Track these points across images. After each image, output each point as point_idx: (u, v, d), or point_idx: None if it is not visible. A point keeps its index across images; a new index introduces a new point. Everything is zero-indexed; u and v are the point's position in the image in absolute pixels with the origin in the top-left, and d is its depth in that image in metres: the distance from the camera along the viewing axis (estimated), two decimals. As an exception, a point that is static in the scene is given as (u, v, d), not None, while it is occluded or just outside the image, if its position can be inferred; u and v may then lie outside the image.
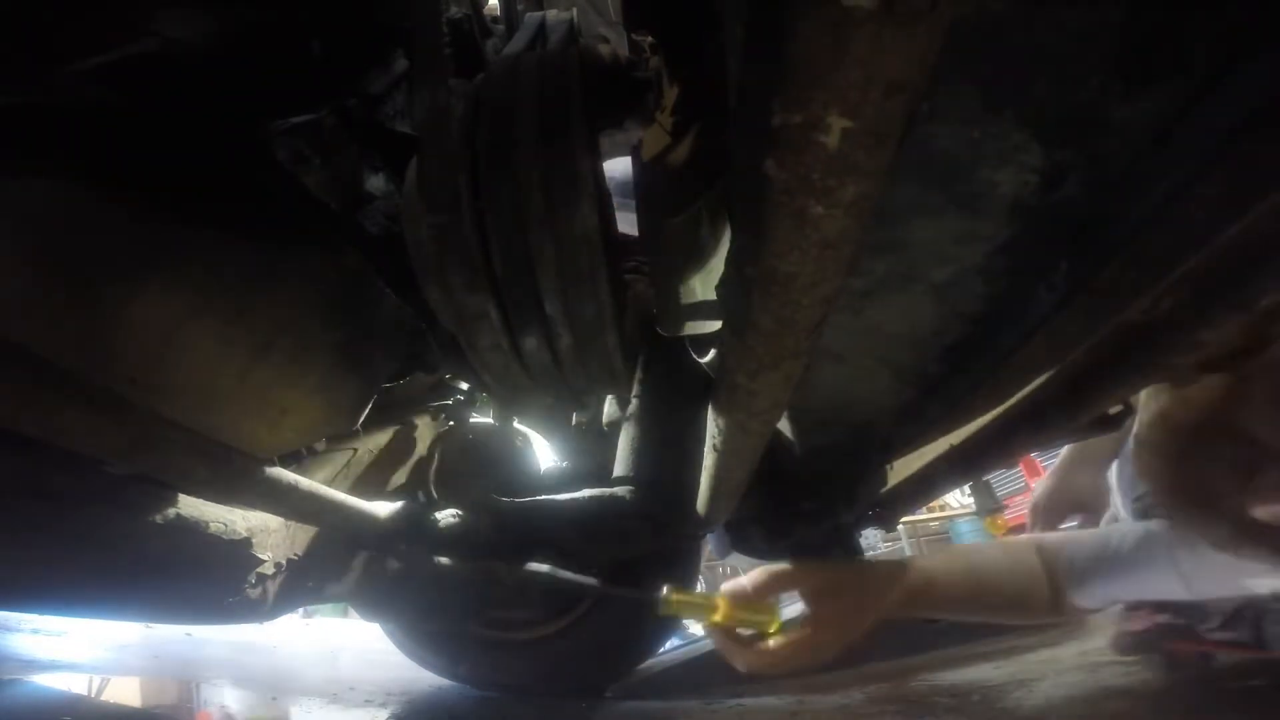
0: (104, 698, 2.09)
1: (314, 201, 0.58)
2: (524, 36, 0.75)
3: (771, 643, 0.70)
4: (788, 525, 0.85)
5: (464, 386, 1.12)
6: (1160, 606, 0.86)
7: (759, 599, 0.71)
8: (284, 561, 0.72)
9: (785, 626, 0.72)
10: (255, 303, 0.57)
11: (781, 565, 0.73)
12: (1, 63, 0.39)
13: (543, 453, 1.23)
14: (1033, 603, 0.81)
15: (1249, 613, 0.76)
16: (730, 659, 0.71)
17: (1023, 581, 0.80)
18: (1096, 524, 0.98)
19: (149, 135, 0.47)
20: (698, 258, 0.56)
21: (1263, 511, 0.40)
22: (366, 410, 0.77)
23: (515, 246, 0.55)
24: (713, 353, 0.59)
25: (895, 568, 0.75)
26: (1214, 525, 0.49)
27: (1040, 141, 0.40)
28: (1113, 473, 0.95)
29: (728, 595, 0.72)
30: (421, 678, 1.26)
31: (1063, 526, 1.07)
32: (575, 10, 0.81)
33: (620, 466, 0.86)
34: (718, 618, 0.71)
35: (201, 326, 0.53)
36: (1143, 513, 0.81)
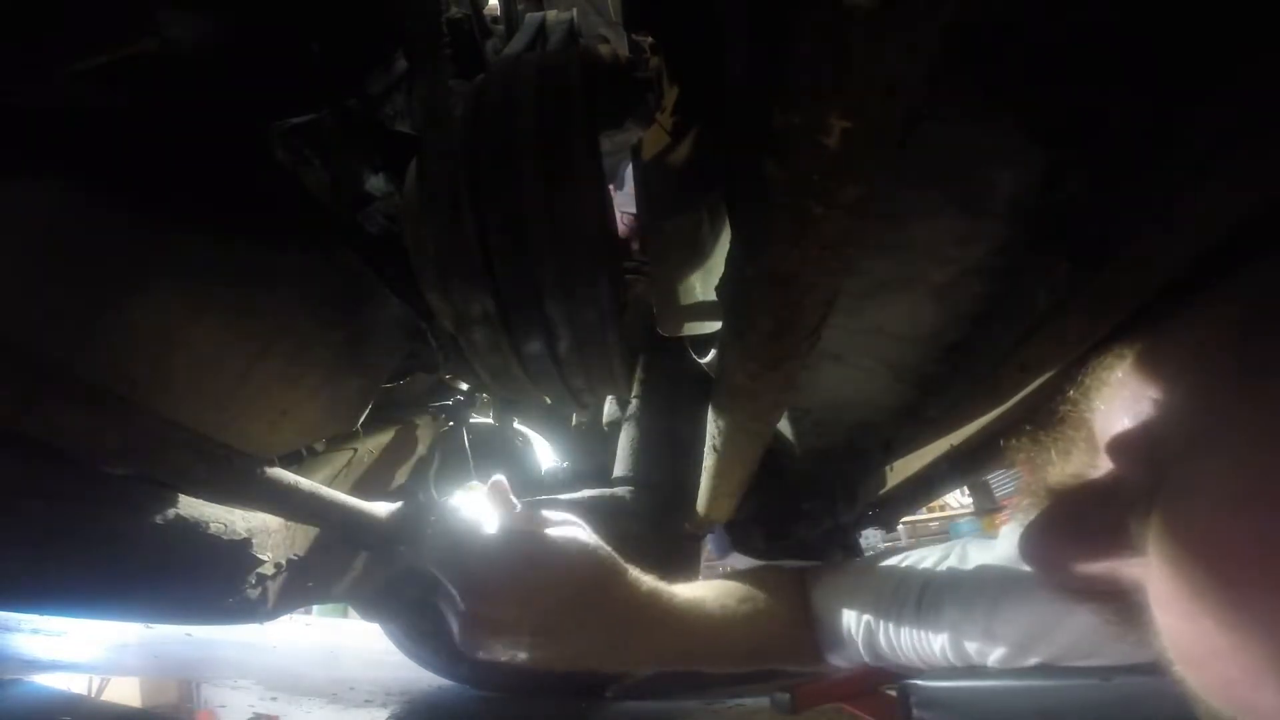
0: (104, 698, 2.09)
1: (314, 202, 0.58)
2: (524, 37, 0.75)
3: None
4: (788, 525, 0.85)
5: (464, 386, 1.12)
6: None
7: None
8: (284, 561, 0.72)
9: None
10: (255, 303, 0.57)
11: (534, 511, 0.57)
12: (1, 63, 0.39)
13: (543, 453, 1.23)
14: (782, 655, 0.66)
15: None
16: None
17: (763, 638, 0.64)
18: None
19: (149, 135, 0.47)
20: (698, 258, 0.56)
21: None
22: (366, 410, 0.77)
23: (515, 247, 0.55)
24: (713, 353, 0.59)
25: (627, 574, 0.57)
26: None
27: (1040, 141, 0.40)
28: None
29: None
30: (421, 678, 1.26)
31: None
32: (575, 10, 0.82)
33: (620, 467, 0.86)
34: None
35: (201, 327, 0.53)
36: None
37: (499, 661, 0.55)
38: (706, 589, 0.63)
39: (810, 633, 0.65)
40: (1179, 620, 0.25)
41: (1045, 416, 0.37)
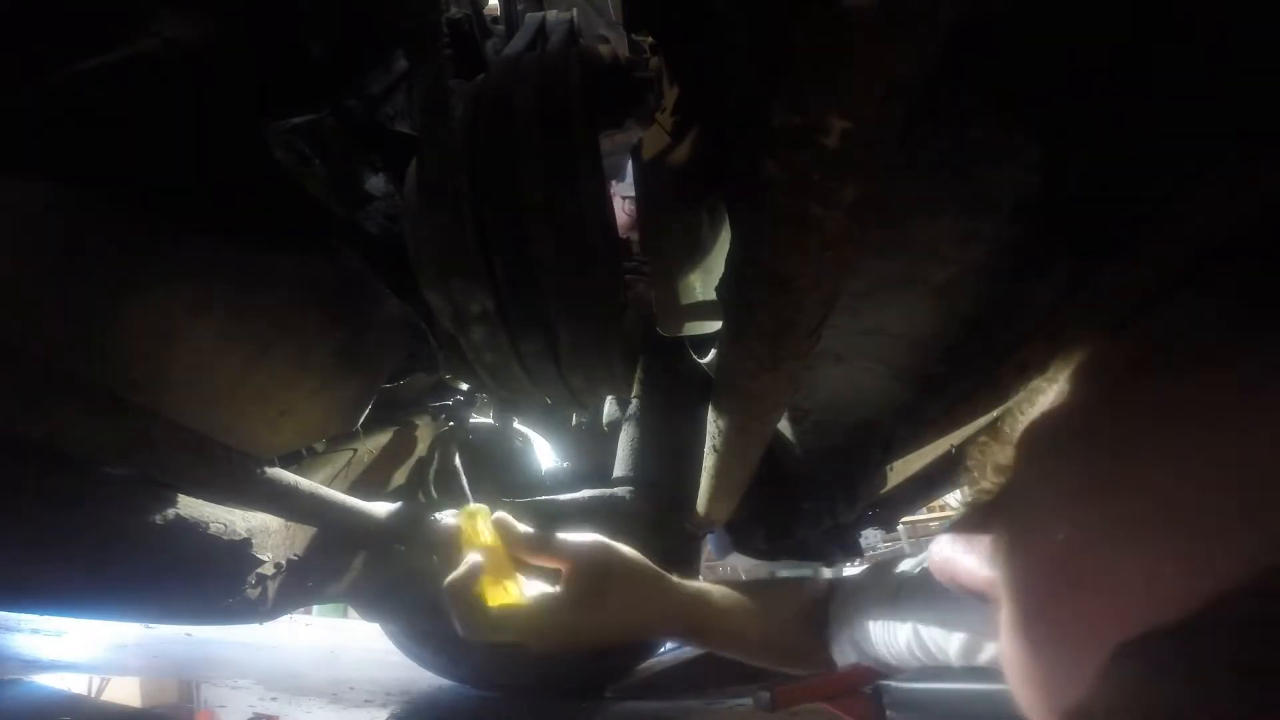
0: (104, 698, 2.09)
1: (314, 202, 0.58)
2: (524, 37, 0.75)
3: (498, 601, 0.55)
4: (788, 525, 0.85)
5: (464, 387, 1.12)
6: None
7: (519, 555, 0.59)
8: (284, 561, 0.72)
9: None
10: (255, 303, 0.57)
11: (555, 536, 0.59)
12: (1, 63, 0.39)
13: (543, 453, 1.23)
14: (800, 651, 0.68)
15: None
16: (456, 609, 0.54)
17: (790, 625, 0.67)
18: None
19: (149, 136, 0.47)
20: (698, 258, 0.56)
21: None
22: (366, 411, 0.77)
23: (515, 247, 0.55)
24: (713, 353, 0.59)
25: (673, 584, 0.62)
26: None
27: (1040, 141, 0.40)
28: None
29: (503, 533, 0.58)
30: (421, 678, 1.26)
31: None
32: (575, 10, 0.81)
33: (620, 467, 0.86)
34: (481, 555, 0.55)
35: (201, 327, 0.53)
36: None
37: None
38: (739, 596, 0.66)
39: (818, 644, 0.66)
40: (1004, 640, 0.26)
41: (990, 432, 0.37)
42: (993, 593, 0.28)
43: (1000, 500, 0.30)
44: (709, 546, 1.44)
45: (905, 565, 0.63)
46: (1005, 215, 0.44)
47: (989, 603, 0.29)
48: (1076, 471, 0.25)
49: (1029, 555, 0.25)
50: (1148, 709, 0.17)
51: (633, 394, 0.90)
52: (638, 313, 0.80)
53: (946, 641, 0.53)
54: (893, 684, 0.58)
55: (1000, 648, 0.27)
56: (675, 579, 0.62)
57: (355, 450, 0.91)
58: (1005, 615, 0.26)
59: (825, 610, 0.67)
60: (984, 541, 0.29)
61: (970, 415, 0.54)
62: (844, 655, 0.65)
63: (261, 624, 0.73)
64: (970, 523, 0.32)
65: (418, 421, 1.11)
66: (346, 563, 0.88)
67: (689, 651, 1.37)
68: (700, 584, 0.64)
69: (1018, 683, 0.26)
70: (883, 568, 0.66)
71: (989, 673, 0.51)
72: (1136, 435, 0.23)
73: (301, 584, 0.75)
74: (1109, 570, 0.21)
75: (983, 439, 0.36)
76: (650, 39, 0.68)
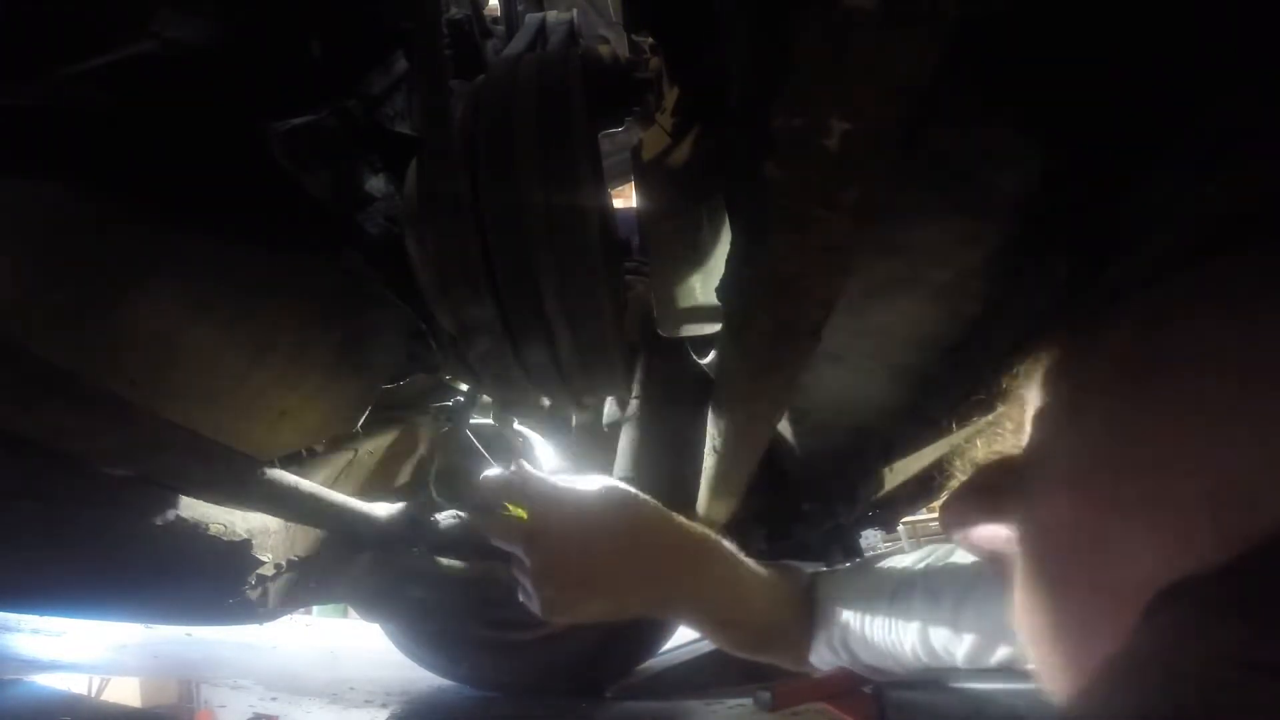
0: (104, 698, 2.09)
1: (313, 203, 0.58)
2: (524, 37, 0.75)
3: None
4: (788, 526, 0.85)
5: (464, 388, 1.12)
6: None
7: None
8: (284, 562, 0.72)
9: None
10: (254, 304, 0.57)
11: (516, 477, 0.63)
12: (2, 63, 0.39)
13: (543, 453, 1.23)
14: (783, 645, 0.66)
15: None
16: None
17: (777, 616, 0.65)
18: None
19: (148, 136, 0.47)
20: (698, 258, 0.56)
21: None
22: (366, 412, 0.77)
23: (515, 248, 0.55)
24: (713, 353, 0.59)
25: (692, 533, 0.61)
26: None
27: (1040, 141, 0.40)
28: None
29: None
30: (421, 678, 1.26)
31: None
32: (575, 11, 0.81)
33: (620, 467, 0.86)
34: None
35: (201, 328, 0.53)
36: None
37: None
38: (742, 556, 0.65)
39: (804, 634, 0.65)
40: (1021, 598, 0.26)
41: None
42: (1010, 550, 0.28)
43: (1018, 457, 0.30)
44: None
45: (896, 561, 0.62)
46: (1006, 216, 0.44)
47: (1004, 562, 0.29)
48: (1101, 421, 0.24)
49: (1051, 508, 0.25)
50: (1200, 650, 0.17)
51: (633, 394, 0.90)
52: (638, 313, 0.80)
53: (956, 643, 0.52)
54: (894, 684, 0.57)
55: (1017, 608, 0.26)
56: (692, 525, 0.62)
57: (355, 451, 0.91)
58: (1024, 572, 0.26)
59: (809, 602, 0.66)
60: (1001, 498, 0.29)
61: (970, 416, 0.54)
62: (820, 656, 0.64)
63: (261, 624, 0.73)
64: (985, 479, 0.32)
65: (418, 422, 1.11)
66: (347, 562, 0.88)
67: (689, 651, 1.37)
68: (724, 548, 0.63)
69: (1037, 643, 0.25)
70: (868, 565, 0.66)
71: (990, 674, 0.51)
72: (1165, 381, 0.22)
73: (302, 584, 0.75)
74: (1140, 518, 0.21)
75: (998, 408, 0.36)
76: (650, 39, 0.68)
